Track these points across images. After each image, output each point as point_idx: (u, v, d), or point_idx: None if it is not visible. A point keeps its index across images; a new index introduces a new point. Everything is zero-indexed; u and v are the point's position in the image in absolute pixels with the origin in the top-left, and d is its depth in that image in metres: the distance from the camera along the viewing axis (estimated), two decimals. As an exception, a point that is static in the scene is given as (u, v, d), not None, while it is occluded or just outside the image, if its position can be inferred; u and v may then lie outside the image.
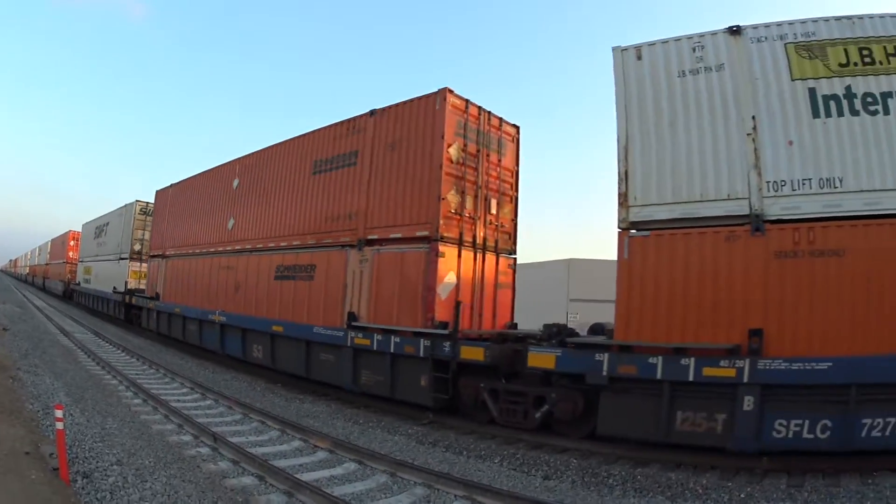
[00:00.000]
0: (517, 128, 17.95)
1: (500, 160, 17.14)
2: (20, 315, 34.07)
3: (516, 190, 17.78)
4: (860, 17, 11.33)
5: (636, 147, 12.46)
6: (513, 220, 17.63)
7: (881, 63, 11.01)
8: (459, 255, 15.72)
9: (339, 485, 10.03)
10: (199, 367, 22.83)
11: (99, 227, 45.36)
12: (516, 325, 17.47)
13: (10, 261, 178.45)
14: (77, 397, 14.42)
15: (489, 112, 16.80)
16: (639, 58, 12.71)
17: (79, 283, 49.83)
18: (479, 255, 16.33)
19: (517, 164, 17.87)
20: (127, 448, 10.55)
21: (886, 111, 10.80)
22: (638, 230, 12.34)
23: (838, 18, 11.40)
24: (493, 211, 16.84)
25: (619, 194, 12.44)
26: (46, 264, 76.04)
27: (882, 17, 11.24)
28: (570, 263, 31.25)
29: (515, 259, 17.75)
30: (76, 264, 53.39)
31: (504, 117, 17.42)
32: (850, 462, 10.39)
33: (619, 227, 12.48)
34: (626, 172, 12.47)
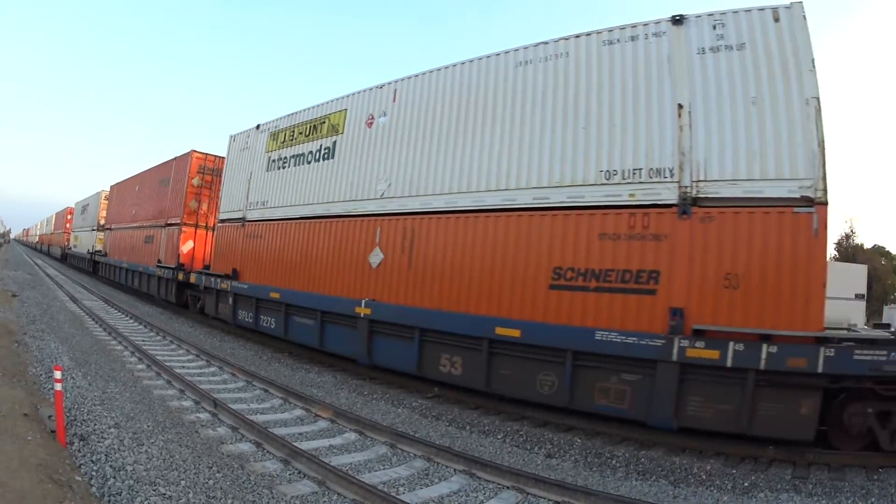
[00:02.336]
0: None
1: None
2: (30, 282, 34.61)
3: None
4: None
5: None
6: None
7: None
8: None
9: (338, 454, 10.21)
10: (206, 336, 23.05)
11: (83, 206, 58.97)
12: None
13: (24, 230, 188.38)
14: (80, 361, 14.70)
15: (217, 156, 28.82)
16: None
17: (70, 248, 63.47)
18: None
19: None
20: (126, 412, 10.77)
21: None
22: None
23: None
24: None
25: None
26: (52, 233, 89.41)
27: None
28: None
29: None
30: (70, 233, 65.65)
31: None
32: (857, 457, 10.39)
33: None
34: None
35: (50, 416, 8.94)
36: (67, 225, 69.36)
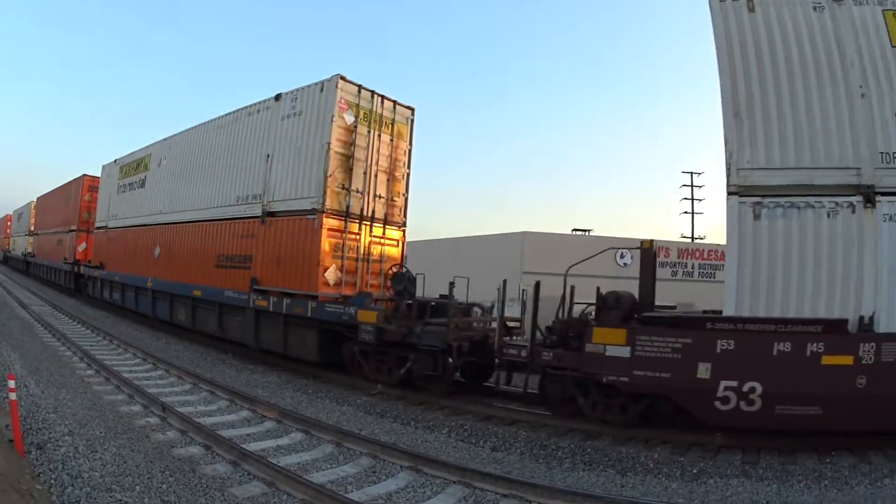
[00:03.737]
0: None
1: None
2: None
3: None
4: None
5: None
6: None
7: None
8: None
9: (285, 454, 10.53)
10: (152, 339, 23.41)
11: (19, 213, 68.26)
12: None
13: None
14: (32, 369, 15.05)
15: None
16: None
17: (10, 251, 72.98)
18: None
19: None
20: (79, 419, 11.15)
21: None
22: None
23: None
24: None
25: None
26: None
27: None
28: (524, 236, 33.51)
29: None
30: (10, 238, 74.21)
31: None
32: (807, 441, 10.80)
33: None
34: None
35: (7, 426, 9.17)
36: (7, 230, 77.51)
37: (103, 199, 34.42)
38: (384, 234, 19.44)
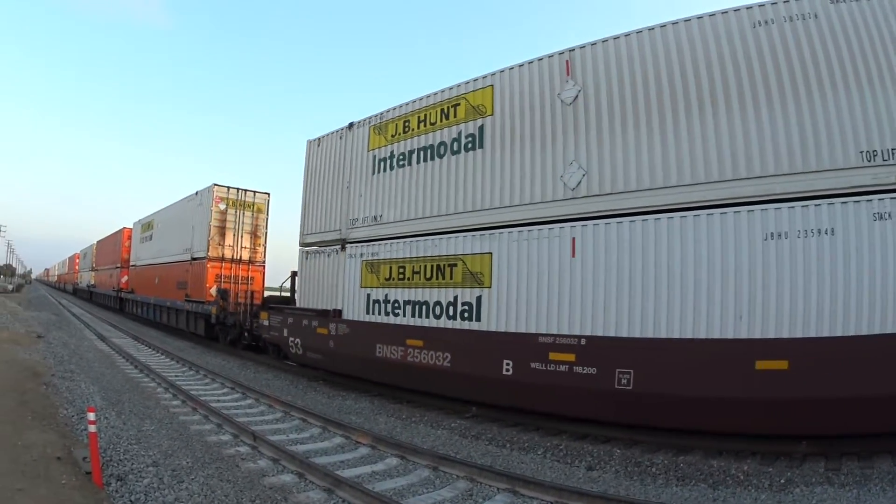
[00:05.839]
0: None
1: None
2: (56, 322, 35.33)
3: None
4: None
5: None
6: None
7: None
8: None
9: (381, 480, 10.33)
10: (240, 368, 23.52)
11: (84, 253, 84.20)
12: None
13: (45, 270, 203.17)
14: (113, 401, 14.88)
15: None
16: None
17: (78, 284, 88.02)
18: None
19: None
20: (164, 449, 10.88)
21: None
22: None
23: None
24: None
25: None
26: (66, 273, 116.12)
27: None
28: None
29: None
30: (78, 273, 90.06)
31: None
32: (883, 443, 10.61)
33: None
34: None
35: (84, 458, 9.03)
36: (76, 267, 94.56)
37: (134, 246, 49.40)
38: (249, 268, 32.83)
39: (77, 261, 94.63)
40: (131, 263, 48.98)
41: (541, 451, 12.44)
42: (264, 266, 33.64)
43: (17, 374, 15.51)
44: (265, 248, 33.72)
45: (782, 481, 9.97)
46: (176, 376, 20.09)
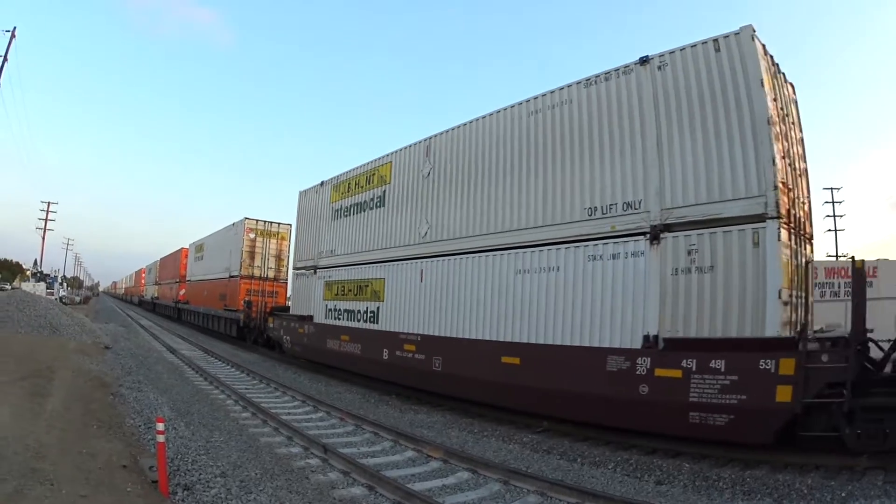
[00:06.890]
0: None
1: None
2: (124, 334, 35.88)
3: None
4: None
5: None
6: None
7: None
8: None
9: (451, 494, 10.34)
10: (311, 381, 23.60)
11: (149, 268, 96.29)
12: None
13: (112, 283, 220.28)
14: (182, 412, 14.91)
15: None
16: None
17: (143, 297, 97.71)
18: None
19: None
20: (233, 460, 10.81)
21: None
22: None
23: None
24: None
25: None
26: (132, 286, 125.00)
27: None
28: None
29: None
30: (144, 287, 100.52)
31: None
32: None
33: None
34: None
35: (151, 467, 9.07)
36: (142, 280, 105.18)
37: (189, 264, 57.93)
38: (274, 285, 40.37)
39: (143, 275, 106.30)
40: (187, 279, 58.41)
41: (611, 465, 12.56)
42: (286, 283, 40.63)
43: (84, 384, 15.70)
44: (287, 268, 40.17)
45: (843, 495, 10.07)
46: (246, 388, 20.20)
